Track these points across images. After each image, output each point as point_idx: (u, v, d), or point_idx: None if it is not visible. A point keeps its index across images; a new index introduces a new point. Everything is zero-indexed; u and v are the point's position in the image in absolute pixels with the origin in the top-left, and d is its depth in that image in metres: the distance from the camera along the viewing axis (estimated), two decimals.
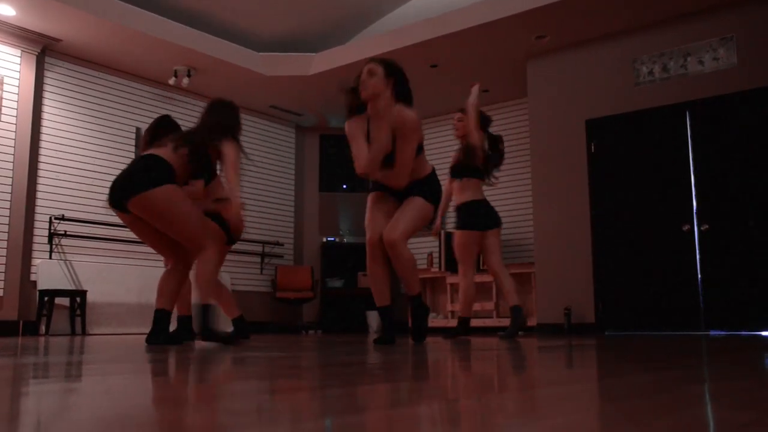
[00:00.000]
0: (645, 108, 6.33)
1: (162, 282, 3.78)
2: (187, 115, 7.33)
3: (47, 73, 6.87)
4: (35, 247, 6.63)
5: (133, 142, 7.40)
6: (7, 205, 6.36)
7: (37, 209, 6.66)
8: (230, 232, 4.68)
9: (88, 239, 6.96)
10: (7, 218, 6.35)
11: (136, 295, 7.05)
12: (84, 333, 6.48)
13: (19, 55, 6.58)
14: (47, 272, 6.55)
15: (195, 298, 3.59)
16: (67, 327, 6.50)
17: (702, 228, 5.93)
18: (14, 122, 6.48)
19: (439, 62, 7.31)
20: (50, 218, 6.70)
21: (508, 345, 3.63)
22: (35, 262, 6.60)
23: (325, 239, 9.08)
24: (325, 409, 1.01)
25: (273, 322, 8.64)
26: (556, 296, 6.57)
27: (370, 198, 3.90)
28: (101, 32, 6.56)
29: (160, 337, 3.68)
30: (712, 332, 5.79)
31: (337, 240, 9.07)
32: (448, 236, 7.33)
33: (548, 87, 7.00)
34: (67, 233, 6.77)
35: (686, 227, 6.00)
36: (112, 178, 3.88)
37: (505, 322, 7.32)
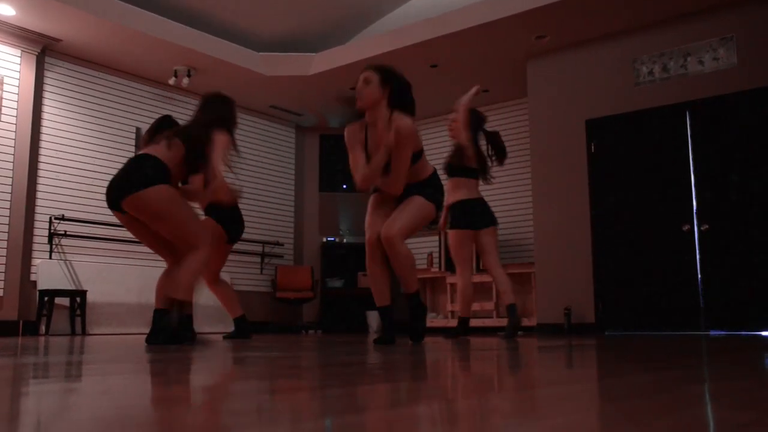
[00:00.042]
0: (645, 108, 6.33)
1: (161, 282, 3.77)
2: (188, 115, 7.30)
3: (47, 73, 6.87)
4: (35, 247, 6.63)
5: (133, 142, 7.40)
6: (7, 205, 6.36)
7: (37, 209, 6.67)
8: (230, 230, 4.68)
9: (88, 239, 6.96)
10: (7, 218, 6.35)
11: (136, 295, 7.05)
12: (84, 333, 6.48)
13: (19, 55, 6.58)
14: (47, 272, 6.55)
15: (174, 293, 3.55)
16: (67, 327, 6.50)
17: (702, 228, 5.93)
18: (14, 122, 6.48)
19: (439, 62, 7.31)
20: (50, 218, 6.70)
21: (508, 345, 3.62)
22: (35, 262, 6.60)
23: (325, 239, 9.08)
24: (325, 409, 1.01)
25: (273, 322, 8.64)
26: (556, 296, 6.57)
27: (371, 199, 3.91)
28: (101, 32, 6.57)
29: (159, 337, 3.68)
30: (712, 332, 5.79)
31: (337, 240, 9.07)
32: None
33: (548, 87, 7.00)
34: (67, 233, 6.78)
35: (686, 227, 6.00)
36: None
37: (504, 322, 7.32)
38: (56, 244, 6.73)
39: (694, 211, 5.99)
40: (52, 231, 6.69)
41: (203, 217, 4.68)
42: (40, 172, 6.72)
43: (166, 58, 7.20)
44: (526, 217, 7.82)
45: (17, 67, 6.56)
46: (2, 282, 6.27)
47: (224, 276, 5.54)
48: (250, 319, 5.13)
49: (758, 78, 5.77)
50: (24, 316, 6.45)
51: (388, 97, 3.65)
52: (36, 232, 6.64)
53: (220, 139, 3.71)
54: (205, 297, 7.38)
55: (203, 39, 7.13)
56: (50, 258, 6.68)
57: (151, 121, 4.37)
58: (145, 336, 4.09)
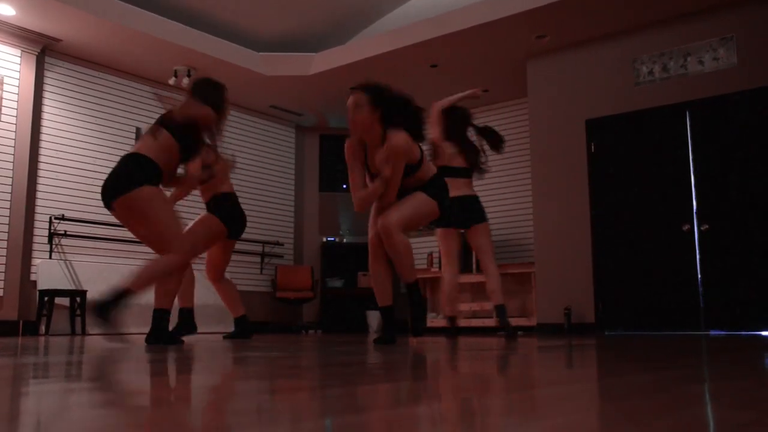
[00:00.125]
0: (645, 108, 6.33)
1: (160, 281, 3.76)
2: None
3: (47, 73, 6.87)
4: (35, 247, 6.63)
5: (133, 142, 7.40)
6: (7, 205, 6.36)
7: (37, 209, 6.67)
8: (230, 226, 4.66)
9: (88, 239, 6.96)
10: (7, 218, 6.36)
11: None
12: (84, 333, 6.48)
13: (19, 55, 6.58)
14: (47, 272, 6.55)
15: (129, 282, 3.48)
16: (67, 327, 6.50)
17: (702, 228, 5.93)
18: (14, 122, 6.48)
19: (439, 62, 7.31)
20: (50, 218, 6.70)
21: (507, 344, 3.62)
22: (35, 262, 6.60)
23: (325, 239, 9.08)
24: (325, 409, 1.01)
25: (273, 322, 8.64)
26: (556, 296, 6.57)
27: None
28: (101, 32, 6.56)
29: (159, 337, 3.68)
30: (712, 332, 5.79)
31: (337, 240, 9.07)
32: None
33: (548, 87, 7.00)
34: (67, 233, 6.78)
35: (686, 227, 6.00)
36: None
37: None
38: (56, 244, 6.73)
39: (694, 211, 5.99)
40: (52, 231, 6.69)
41: (204, 213, 4.68)
42: (40, 172, 6.72)
43: (166, 58, 7.20)
44: (526, 217, 7.82)
45: (17, 67, 6.56)
46: (2, 282, 6.27)
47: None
48: (250, 319, 5.13)
49: (758, 78, 5.77)
50: (24, 316, 6.45)
51: (380, 116, 3.64)
52: (36, 232, 6.64)
53: (200, 113, 3.65)
54: (204, 297, 7.38)
55: (203, 39, 7.13)
56: (50, 258, 6.68)
57: (151, 121, 4.36)
58: (144, 336, 4.08)
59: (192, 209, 6.21)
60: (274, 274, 8.53)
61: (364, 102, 3.63)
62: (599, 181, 6.53)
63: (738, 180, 5.80)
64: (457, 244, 5.16)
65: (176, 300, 4.48)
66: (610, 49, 6.61)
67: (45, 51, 6.81)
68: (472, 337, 5.41)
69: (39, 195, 6.68)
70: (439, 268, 8.09)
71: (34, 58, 6.68)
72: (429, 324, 7.70)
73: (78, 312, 6.48)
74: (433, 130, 5.05)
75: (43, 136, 6.77)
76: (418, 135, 3.74)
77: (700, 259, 5.91)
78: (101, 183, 3.65)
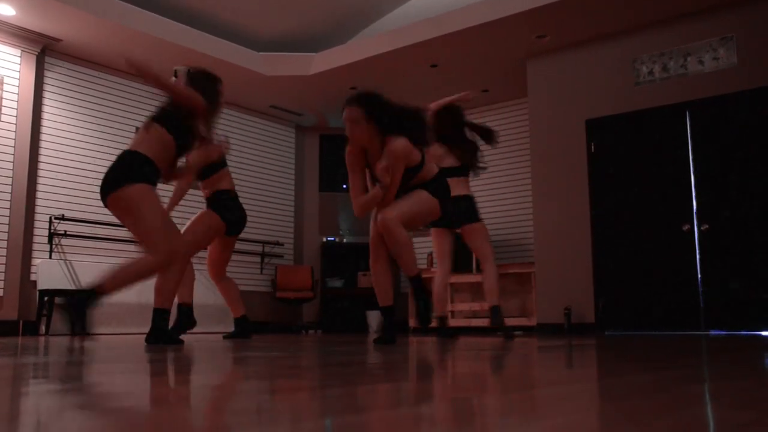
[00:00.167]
0: (645, 108, 6.33)
1: (158, 281, 3.76)
2: None
3: (47, 73, 6.87)
4: (35, 247, 6.63)
5: None
6: (7, 205, 6.36)
7: (37, 209, 6.67)
8: (228, 222, 4.66)
9: (88, 239, 6.96)
10: (7, 218, 6.36)
11: (136, 294, 7.04)
12: (84, 333, 6.47)
13: (19, 55, 6.58)
14: (47, 272, 6.55)
15: (103, 281, 3.43)
16: (67, 327, 6.50)
17: (702, 228, 5.93)
18: (14, 122, 6.48)
19: (439, 62, 7.31)
20: (50, 218, 6.70)
21: (505, 345, 3.62)
22: (35, 261, 6.60)
23: (325, 239, 9.08)
24: (325, 409, 1.01)
25: (273, 322, 8.64)
26: (556, 296, 6.57)
27: None
28: (101, 32, 6.56)
29: (159, 337, 3.68)
30: (712, 332, 5.79)
31: (337, 240, 9.07)
32: None
33: (548, 87, 7.00)
34: (67, 233, 6.77)
35: (686, 227, 6.00)
36: None
37: (505, 322, 7.32)
38: (56, 244, 6.73)
39: (694, 211, 5.99)
40: (52, 231, 6.69)
41: (203, 210, 4.67)
42: (40, 172, 6.72)
43: (166, 58, 7.19)
44: (526, 217, 7.82)
45: (17, 67, 6.56)
46: (2, 282, 6.27)
47: None
48: (250, 319, 5.13)
49: (758, 78, 5.77)
50: (24, 316, 6.45)
51: (378, 127, 3.66)
52: (36, 232, 6.64)
53: (194, 97, 3.62)
54: (204, 297, 7.38)
55: (203, 39, 7.13)
56: (50, 258, 6.68)
57: None
58: (144, 336, 4.09)
59: (192, 209, 6.20)
60: (274, 274, 8.53)
61: (359, 116, 3.64)
62: (599, 181, 6.53)
63: (738, 180, 5.80)
64: (450, 243, 5.12)
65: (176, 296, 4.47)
66: (610, 49, 6.61)
67: (45, 51, 6.81)
68: (471, 338, 5.41)
69: (39, 195, 6.68)
70: (452, 266, 8.08)
71: (34, 58, 6.68)
72: (417, 324, 7.66)
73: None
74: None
75: (43, 136, 6.77)
76: (418, 140, 3.75)
77: (700, 259, 5.91)
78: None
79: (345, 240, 9.04)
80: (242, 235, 5.61)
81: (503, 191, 8.13)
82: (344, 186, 9.15)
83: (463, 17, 6.55)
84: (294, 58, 7.75)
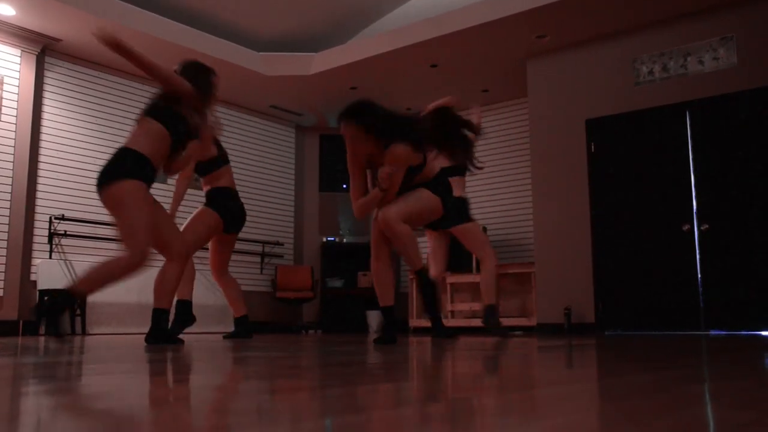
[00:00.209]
0: (645, 108, 6.33)
1: (158, 280, 3.76)
2: None
3: (47, 73, 6.87)
4: (35, 247, 6.63)
5: None
6: (7, 205, 6.36)
7: (37, 209, 6.67)
8: (226, 219, 4.65)
9: (88, 239, 6.96)
10: (7, 218, 6.36)
11: (136, 294, 7.05)
12: (84, 333, 6.48)
13: (19, 55, 6.58)
14: (47, 272, 6.55)
15: (78, 283, 3.37)
16: (67, 327, 6.50)
17: (702, 228, 5.93)
18: (14, 122, 6.48)
19: (439, 62, 7.31)
20: (50, 218, 6.70)
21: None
22: (35, 261, 6.60)
23: (325, 239, 9.08)
24: (325, 409, 1.01)
25: (273, 322, 8.64)
26: (556, 296, 6.57)
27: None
28: None
29: (159, 337, 3.68)
30: (712, 332, 5.79)
31: (337, 240, 9.07)
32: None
33: (548, 87, 7.00)
34: (67, 233, 6.77)
35: (686, 227, 6.00)
36: None
37: (504, 322, 7.32)
38: (56, 244, 6.73)
39: (694, 211, 5.99)
40: (52, 231, 6.69)
41: (200, 208, 4.67)
42: (40, 172, 6.72)
43: (166, 58, 7.14)
44: (526, 217, 7.82)
45: (17, 67, 6.56)
46: (2, 282, 6.27)
47: None
48: (250, 319, 5.13)
49: (758, 78, 5.77)
50: (24, 316, 6.45)
51: (378, 138, 3.67)
52: (36, 232, 6.64)
53: (182, 83, 3.60)
54: (204, 297, 7.38)
55: (203, 39, 7.13)
56: (50, 258, 6.68)
57: None
58: (144, 335, 4.09)
59: (193, 209, 6.20)
60: (274, 274, 8.53)
61: (357, 133, 3.65)
62: (599, 181, 6.53)
63: (738, 180, 5.80)
64: (444, 244, 5.11)
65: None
66: (610, 49, 6.61)
67: (45, 51, 6.81)
68: (471, 338, 5.41)
69: (39, 195, 6.68)
70: (447, 267, 8.08)
71: (34, 58, 6.68)
72: (417, 324, 7.67)
73: (78, 312, 6.48)
74: None
75: (43, 136, 6.77)
76: (417, 144, 3.76)
77: (700, 259, 5.91)
78: None
79: (345, 240, 9.04)
80: (242, 235, 5.61)
81: (503, 191, 8.13)
82: (344, 186, 9.17)
83: (463, 17, 6.55)
84: (294, 58, 7.75)
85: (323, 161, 9.47)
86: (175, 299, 4.37)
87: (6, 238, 6.33)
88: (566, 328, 6.36)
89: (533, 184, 6.98)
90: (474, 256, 7.16)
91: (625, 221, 6.32)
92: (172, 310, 4.14)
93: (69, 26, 6.44)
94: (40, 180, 6.70)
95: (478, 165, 5.01)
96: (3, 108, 6.43)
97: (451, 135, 5.02)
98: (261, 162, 8.80)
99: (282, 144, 9.17)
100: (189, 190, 5.04)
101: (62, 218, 6.73)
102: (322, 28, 7.81)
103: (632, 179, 6.33)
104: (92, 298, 6.73)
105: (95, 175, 7.41)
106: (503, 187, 8.14)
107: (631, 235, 6.28)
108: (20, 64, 6.57)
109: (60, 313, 3.32)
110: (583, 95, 6.71)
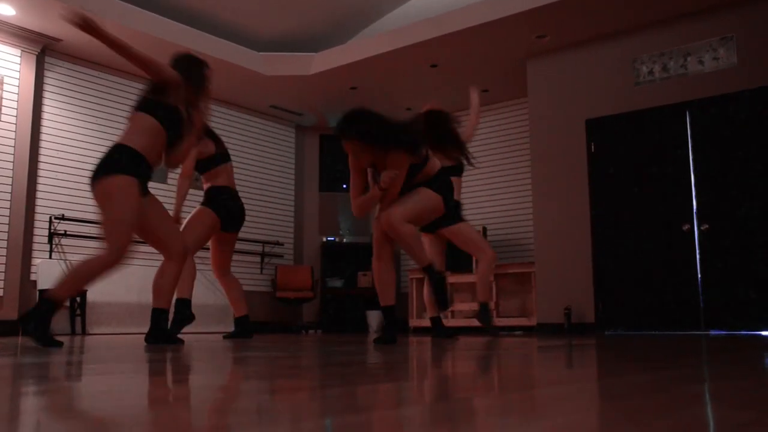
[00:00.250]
0: (645, 108, 6.33)
1: (157, 280, 3.76)
2: None
3: (47, 73, 6.87)
4: (35, 246, 6.63)
5: None
6: (7, 205, 6.36)
7: (37, 209, 6.67)
8: (224, 218, 4.65)
9: (88, 239, 6.96)
10: (7, 218, 6.35)
11: (136, 294, 7.05)
12: (84, 333, 6.48)
13: (19, 55, 6.58)
14: (47, 272, 6.55)
15: (55, 289, 3.29)
16: (67, 327, 6.50)
17: (702, 228, 5.93)
18: (14, 122, 6.48)
19: (439, 62, 7.31)
20: (50, 218, 6.70)
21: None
22: (35, 261, 6.60)
23: (325, 239, 9.08)
24: (325, 409, 1.01)
25: (273, 322, 8.64)
26: (556, 296, 6.57)
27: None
28: None
29: (159, 337, 3.68)
30: (712, 332, 5.79)
31: (337, 240, 9.07)
32: None
33: (548, 87, 7.00)
34: (67, 233, 6.77)
35: (686, 227, 6.00)
36: None
37: (504, 322, 7.33)
38: (56, 244, 6.73)
39: (694, 211, 5.99)
40: (52, 231, 6.69)
41: (198, 207, 4.67)
42: (40, 172, 6.72)
43: (167, 58, 7.19)
44: (526, 217, 7.82)
45: (17, 67, 6.55)
46: (2, 282, 6.27)
47: None
48: (250, 319, 5.13)
49: (758, 78, 5.77)
50: None
51: (376, 147, 3.68)
52: (36, 231, 6.64)
53: (169, 72, 3.57)
54: (204, 297, 7.38)
55: (203, 39, 7.13)
56: (50, 258, 6.68)
57: None
58: (144, 335, 4.09)
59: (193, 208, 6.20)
60: (274, 274, 8.53)
61: (359, 147, 3.67)
62: (599, 181, 6.53)
63: (738, 180, 5.80)
64: (439, 244, 5.10)
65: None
66: (610, 49, 6.61)
67: (45, 51, 6.81)
68: (471, 338, 5.41)
69: (39, 195, 6.68)
70: (444, 268, 8.09)
71: (34, 58, 6.68)
72: (417, 324, 7.67)
73: (78, 312, 6.48)
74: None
75: (43, 136, 6.77)
76: (415, 148, 3.78)
77: (700, 259, 5.91)
78: None
79: (345, 240, 9.04)
80: (242, 235, 5.61)
81: (503, 191, 8.13)
82: (344, 186, 9.16)
83: (463, 17, 6.55)
84: (294, 58, 7.75)
85: (323, 161, 9.47)
86: (175, 297, 4.37)
87: (6, 238, 6.33)
88: (566, 328, 6.36)
89: (533, 184, 6.98)
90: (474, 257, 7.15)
91: (625, 221, 6.32)
92: (172, 310, 4.15)
93: (69, 26, 6.43)
94: (40, 180, 6.70)
95: (473, 161, 4.98)
96: (3, 108, 6.43)
97: (444, 136, 5.01)
98: (261, 162, 8.80)
99: (282, 144, 9.17)
100: (190, 190, 5.04)
101: (62, 218, 6.73)
102: (322, 28, 7.81)
103: (632, 179, 6.33)
104: (92, 299, 6.73)
105: None
106: (503, 187, 8.14)
107: (631, 235, 6.28)
108: (20, 64, 6.57)
109: (47, 322, 3.21)
110: (583, 95, 6.71)
